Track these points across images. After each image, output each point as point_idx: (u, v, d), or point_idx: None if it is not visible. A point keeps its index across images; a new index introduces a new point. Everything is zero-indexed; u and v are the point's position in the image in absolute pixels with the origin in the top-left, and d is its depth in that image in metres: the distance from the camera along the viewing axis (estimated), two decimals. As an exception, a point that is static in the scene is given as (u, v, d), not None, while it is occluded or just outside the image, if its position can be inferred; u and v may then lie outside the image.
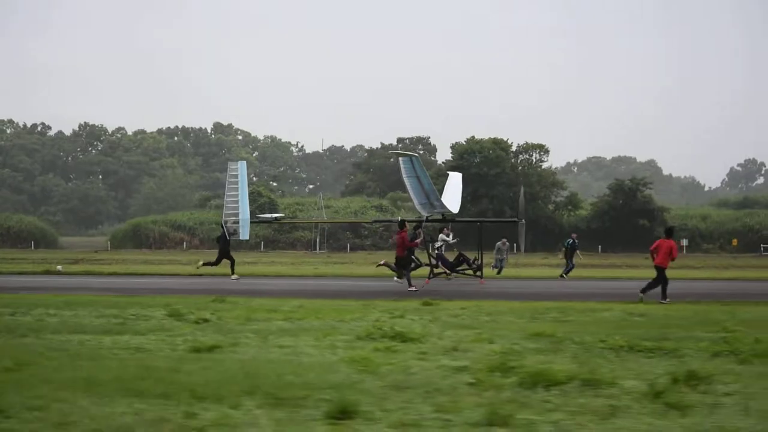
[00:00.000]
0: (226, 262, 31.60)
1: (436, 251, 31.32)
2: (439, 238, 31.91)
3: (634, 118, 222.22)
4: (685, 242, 74.03)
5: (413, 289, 25.41)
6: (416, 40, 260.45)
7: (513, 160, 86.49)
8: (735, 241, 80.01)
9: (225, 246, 31.38)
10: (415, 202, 30.01)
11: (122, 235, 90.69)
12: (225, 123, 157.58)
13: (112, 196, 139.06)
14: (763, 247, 77.52)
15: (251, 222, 31.96)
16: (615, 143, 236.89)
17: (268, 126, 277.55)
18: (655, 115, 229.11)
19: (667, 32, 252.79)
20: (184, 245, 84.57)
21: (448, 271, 30.97)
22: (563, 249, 37.01)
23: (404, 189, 31.16)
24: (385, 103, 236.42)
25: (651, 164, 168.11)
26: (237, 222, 31.18)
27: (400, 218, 31.98)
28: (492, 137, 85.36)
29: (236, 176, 31.44)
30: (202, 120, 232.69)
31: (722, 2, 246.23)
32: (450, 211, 31.16)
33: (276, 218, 35.12)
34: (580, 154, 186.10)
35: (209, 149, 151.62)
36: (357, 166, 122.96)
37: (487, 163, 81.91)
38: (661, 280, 21.32)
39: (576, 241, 36.25)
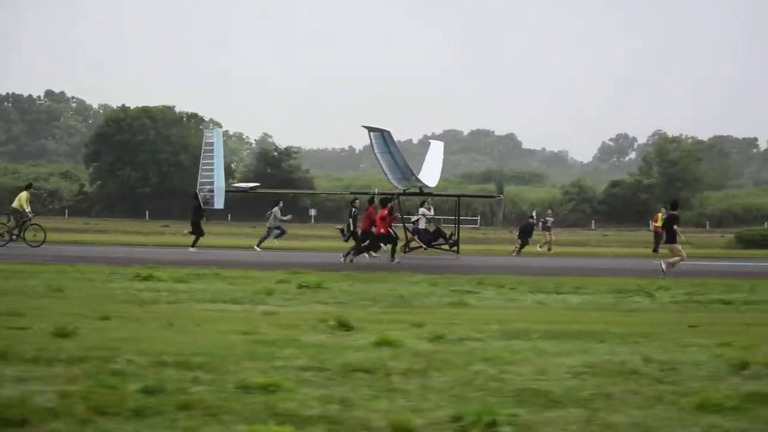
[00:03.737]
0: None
1: (413, 225, 31.52)
2: (419, 212, 32.07)
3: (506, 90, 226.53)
4: (313, 212, 73.16)
5: (374, 257, 26.12)
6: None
7: (175, 129, 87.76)
8: None
9: (196, 217, 30.30)
10: (390, 177, 29.63)
11: None
12: (57, 90, 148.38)
13: None
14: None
15: (226, 191, 30.88)
16: (478, 118, 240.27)
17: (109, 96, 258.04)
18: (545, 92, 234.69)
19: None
20: None
21: (424, 246, 31.17)
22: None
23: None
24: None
25: (510, 137, 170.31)
26: (212, 191, 30.04)
27: (376, 191, 31.74)
28: (143, 105, 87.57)
29: (212, 144, 30.21)
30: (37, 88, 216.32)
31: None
32: (427, 185, 31.29)
33: (251, 188, 34.15)
34: (437, 128, 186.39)
35: (37, 116, 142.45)
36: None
37: (131, 131, 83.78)
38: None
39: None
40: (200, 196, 30.01)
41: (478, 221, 78.00)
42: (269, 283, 15.13)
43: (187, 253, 27.89)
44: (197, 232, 30.39)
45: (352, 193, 36.38)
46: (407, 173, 29.07)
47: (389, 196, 28.61)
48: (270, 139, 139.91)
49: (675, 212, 22.01)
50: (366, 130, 26.15)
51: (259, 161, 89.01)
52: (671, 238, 21.50)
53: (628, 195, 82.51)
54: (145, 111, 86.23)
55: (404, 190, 30.92)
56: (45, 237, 28.23)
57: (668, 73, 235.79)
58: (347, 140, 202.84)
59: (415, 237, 31.00)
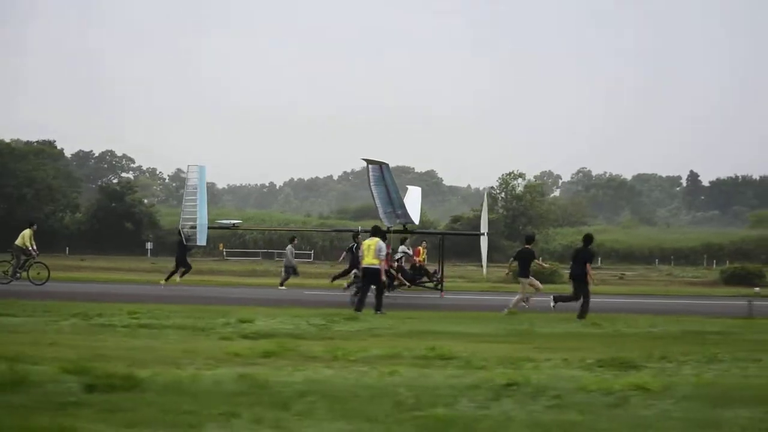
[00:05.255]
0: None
1: (396, 263, 31.15)
2: (399, 250, 31.74)
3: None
4: (149, 246, 74.12)
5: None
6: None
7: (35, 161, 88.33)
8: (221, 246, 78.07)
9: (182, 253, 29.53)
10: (380, 211, 29.68)
11: None
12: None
13: None
14: (225, 252, 77.27)
15: (209, 228, 30.16)
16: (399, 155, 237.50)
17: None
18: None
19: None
20: None
21: (407, 283, 30.87)
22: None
23: None
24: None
25: (430, 174, 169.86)
26: (194, 227, 29.34)
27: (360, 228, 31.37)
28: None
29: (195, 181, 29.61)
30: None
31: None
32: (413, 222, 31.19)
33: (234, 224, 33.49)
34: (357, 164, 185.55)
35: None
36: None
37: None
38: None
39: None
40: (182, 232, 29.41)
41: (312, 256, 76.05)
42: None
43: None
44: (184, 265, 30.06)
45: (334, 231, 35.91)
46: (398, 207, 29.01)
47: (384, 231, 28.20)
48: (183, 175, 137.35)
49: (529, 246, 22.18)
50: (365, 162, 26.24)
51: (102, 195, 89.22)
52: (525, 273, 21.74)
53: (469, 230, 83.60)
54: (5, 145, 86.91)
55: (389, 227, 30.66)
56: (49, 275, 27.18)
57: (601, 112, 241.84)
58: (268, 177, 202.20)
59: (399, 275, 30.69)
